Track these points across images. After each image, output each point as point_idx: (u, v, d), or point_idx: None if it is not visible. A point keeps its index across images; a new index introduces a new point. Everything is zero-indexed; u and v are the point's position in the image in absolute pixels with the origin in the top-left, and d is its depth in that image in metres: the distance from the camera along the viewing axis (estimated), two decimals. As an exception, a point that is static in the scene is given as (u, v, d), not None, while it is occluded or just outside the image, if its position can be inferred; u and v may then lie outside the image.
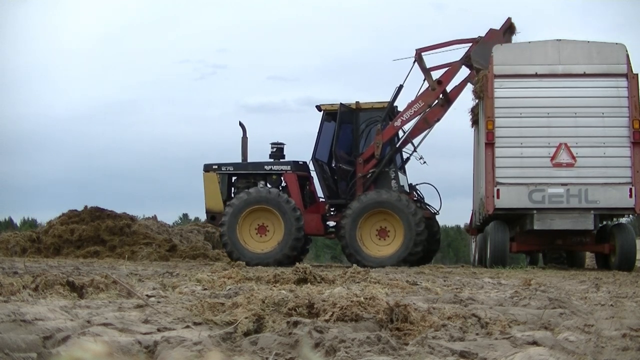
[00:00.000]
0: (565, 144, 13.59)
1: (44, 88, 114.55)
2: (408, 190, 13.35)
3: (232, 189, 13.67)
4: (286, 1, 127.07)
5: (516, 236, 14.68)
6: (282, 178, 13.42)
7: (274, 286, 5.26)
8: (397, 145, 13.47)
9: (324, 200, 13.50)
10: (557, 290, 6.05)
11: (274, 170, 13.40)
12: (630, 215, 15.45)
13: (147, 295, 4.46)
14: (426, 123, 13.29)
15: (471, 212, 18.54)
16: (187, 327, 3.06)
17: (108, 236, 16.81)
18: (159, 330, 2.97)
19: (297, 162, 13.62)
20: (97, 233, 16.79)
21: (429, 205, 13.73)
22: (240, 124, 13.80)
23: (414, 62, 13.22)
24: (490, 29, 13.10)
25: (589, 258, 18.32)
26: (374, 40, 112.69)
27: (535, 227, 13.42)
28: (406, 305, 3.26)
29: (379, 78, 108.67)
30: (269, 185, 13.35)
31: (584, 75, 13.72)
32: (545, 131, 13.67)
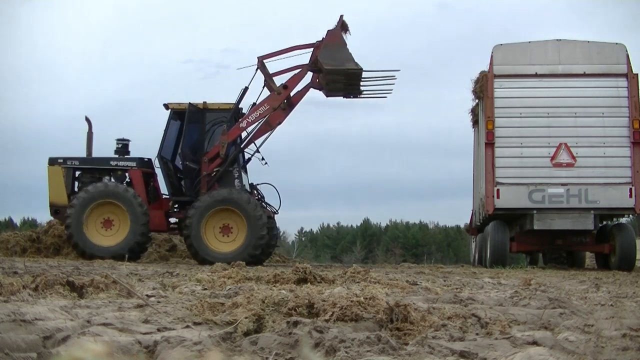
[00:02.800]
0: (565, 144, 13.60)
1: (45, 88, 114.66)
2: (249, 190, 13.57)
3: (76, 183, 13.80)
4: (289, 1, 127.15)
5: (516, 236, 14.69)
6: (126, 174, 13.64)
7: (274, 286, 5.26)
8: (241, 146, 13.76)
9: (167, 197, 13.71)
10: (557, 290, 6.05)
11: (119, 166, 13.61)
12: (630, 215, 15.47)
13: (147, 295, 4.46)
14: (269, 126, 13.68)
15: (471, 212, 18.58)
16: (187, 327, 3.06)
17: (108, 236, 16.79)
18: (159, 330, 2.97)
19: (142, 158, 13.85)
20: (97, 233, 16.77)
21: (269, 204, 13.94)
22: (86, 119, 13.96)
23: (257, 69, 13.54)
24: (328, 31, 13.39)
25: (589, 258, 18.33)
26: (377, 40, 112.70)
27: (535, 227, 13.44)
28: (406, 305, 3.25)
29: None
30: (113, 181, 13.51)
31: (584, 75, 13.74)
32: (545, 131, 13.68)
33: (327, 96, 14.19)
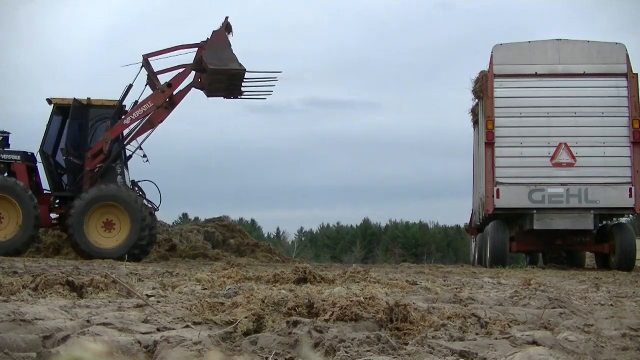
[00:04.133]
0: (565, 144, 13.59)
1: (47, 87, 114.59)
2: (130, 186, 13.61)
3: None
4: (291, 1, 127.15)
5: (516, 236, 14.68)
6: (9, 168, 13.47)
7: (274, 286, 5.25)
8: (124, 143, 13.81)
9: (48, 192, 13.66)
10: (557, 290, 6.05)
11: (3, 159, 13.44)
12: (630, 215, 15.46)
13: (147, 295, 4.46)
14: (150, 124, 13.74)
15: (471, 212, 18.57)
16: (187, 327, 3.06)
17: (108, 236, 16.79)
18: (158, 330, 2.96)
19: (27, 152, 13.74)
20: (97, 233, 16.78)
21: (150, 202, 14.00)
22: None
23: (142, 67, 13.61)
24: (214, 32, 13.60)
25: (589, 258, 18.32)
26: (380, 40, 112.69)
27: (535, 227, 13.43)
28: (406, 305, 3.25)
29: (383, 78, 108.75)
30: None
31: (584, 75, 13.73)
32: (545, 131, 13.67)
33: (208, 96, 14.31)
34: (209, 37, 13.60)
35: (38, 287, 4.33)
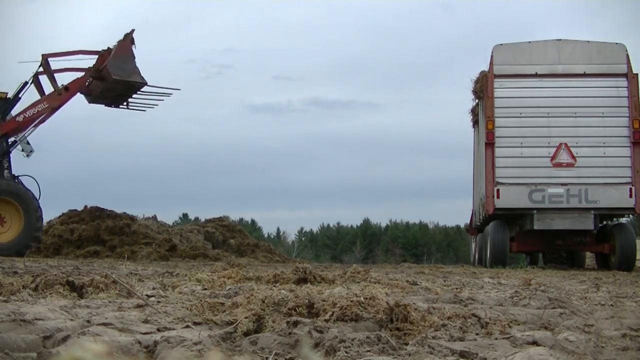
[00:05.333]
0: (565, 144, 13.60)
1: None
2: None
3: None
4: (292, 1, 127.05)
5: (516, 236, 14.68)
6: None
7: (274, 286, 5.25)
8: (15, 139, 13.76)
9: None
10: (557, 290, 6.05)
11: None
12: (630, 215, 15.46)
13: (147, 295, 4.46)
14: (32, 121, 13.63)
15: (471, 212, 18.57)
16: (187, 327, 3.06)
17: (108, 236, 16.82)
18: (158, 330, 2.96)
19: None
20: (97, 233, 16.80)
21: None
22: None
23: (40, 66, 13.61)
24: (119, 42, 13.71)
25: (589, 258, 18.33)
26: (381, 40, 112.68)
27: (535, 227, 13.43)
28: (406, 305, 3.25)
29: (384, 78, 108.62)
30: None
31: (584, 75, 13.74)
32: (545, 131, 13.68)
33: (89, 102, 14.47)
34: (112, 47, 13.66)
35: (38, 287, 4.33)
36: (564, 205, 13.35)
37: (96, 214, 17.65)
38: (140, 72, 13.66)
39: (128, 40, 13.72)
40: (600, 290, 6.53)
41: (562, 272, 11.82)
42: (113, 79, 13.28)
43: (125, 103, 14.54)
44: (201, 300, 3.61)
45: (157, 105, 14.53)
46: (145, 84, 13.64)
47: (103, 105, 14.82)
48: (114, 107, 14.68)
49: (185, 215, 55.98)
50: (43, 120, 13.71)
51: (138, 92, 14.11)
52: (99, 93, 13.97)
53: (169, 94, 14.25)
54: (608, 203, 13.33)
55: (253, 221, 60.34)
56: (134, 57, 13.70)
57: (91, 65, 13.90)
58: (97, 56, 13.83)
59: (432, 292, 5.31)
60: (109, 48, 13.74)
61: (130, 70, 13.51)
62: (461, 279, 8.08)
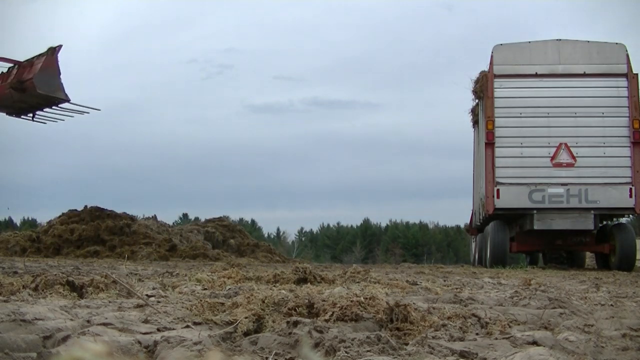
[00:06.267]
0: (565, 144, 13.60)
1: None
2: None
3: None
4: (293, 1, 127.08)
5: (516, 236, 14.68)
6: None
7: (274, 286, 5.25)
8: None
9: None
10: (557, 290, 6.05)
11: None
12: (630, 215, 15.46)
13: (147, 295, 4.46)
14: None
15: (471, 212, 18.57)
16: (187, 327, 3.06)
17: (108, 236, 16.82)
18: (158, 330, 2.96)
19: None
20: (97, 233, 16.80)
21: None
22: None
23: None
24: (46, 57, 13.21)
25: (589, 258, 18.33)
26: (381, 40, 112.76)
27: (535, 227, 13.44)
28: (406, 305, 3.25)
29: (384, 78, 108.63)
30: None
31: (584, 75, 13.74)
32: (545, 131, 13.68)
33: None
34: (36, 59, 13.32)
35: (38, 287, 4.33)
36: (564, 205, 13.36)
37: (96, 214, 17.65)
38: (64, 88, 13.27)
39: (56, 55, 13.29)
40: (600, 290, 6.53)
41: (562, 272, 11.81)
42: (38, 93, 12.91)
43: (31, 115, 14.09)
44: (201, 300, 3.61)
45: (63, 120, 14.10)
46: (68, 100, 13.27)
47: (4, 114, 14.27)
48: (15, 116, 14.17)
49: (185, 215, 56.03)
50: None
51: (54, 107, 13.69)
52: (12, 103, 13.50)
53: (85, 112, 13.82)
54: (608, 203, 13.33)
55: (253, 221, 60.42)
56: (60, 73, 13.30)
57: (3, 72, 13.54)
58: (12, 64, 13.48)
59: (432, 292, 5.31)
60: (30, 60, 13.33)
61: (56, 87, 13.13)
62: (461, 279, 8.08)
